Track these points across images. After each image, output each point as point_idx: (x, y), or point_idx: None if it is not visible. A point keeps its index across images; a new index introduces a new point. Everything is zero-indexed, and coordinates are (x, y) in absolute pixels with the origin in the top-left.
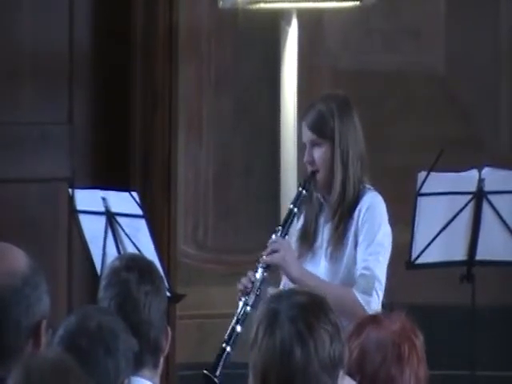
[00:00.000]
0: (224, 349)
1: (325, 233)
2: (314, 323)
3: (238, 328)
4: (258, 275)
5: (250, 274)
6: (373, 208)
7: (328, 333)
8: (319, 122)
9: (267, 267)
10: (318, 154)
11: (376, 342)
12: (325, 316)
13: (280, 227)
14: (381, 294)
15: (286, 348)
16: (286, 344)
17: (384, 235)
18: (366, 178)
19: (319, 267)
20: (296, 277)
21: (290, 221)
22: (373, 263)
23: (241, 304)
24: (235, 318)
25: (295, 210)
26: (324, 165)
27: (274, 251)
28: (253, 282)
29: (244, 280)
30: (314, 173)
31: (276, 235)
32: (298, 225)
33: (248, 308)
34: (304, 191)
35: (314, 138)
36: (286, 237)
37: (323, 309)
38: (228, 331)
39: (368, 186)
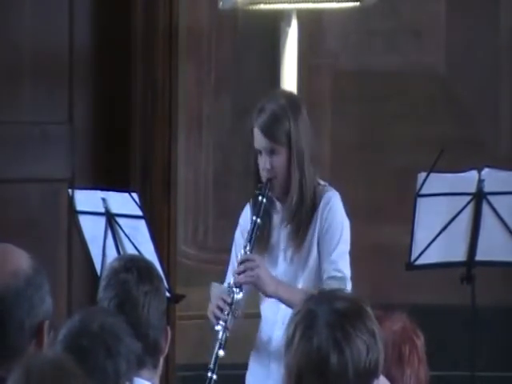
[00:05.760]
0: (211, 378)
1: (281, 234)
2: (352, 332)
3: (221, 353)
4: (235, 297)
5: (224, 296)
6: (333, 206)
7: (365, 343)
8: (274, 127)
9: (241, 287)
10: (277, 161)
11: None
12: (363, 325)
13: (248, 243)
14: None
15: (323, 354)
16: (323, 350)
17: (346, 232)
18: (317, 175)
19: (276, 268)
20: (271, 293)
21: (256, 234)
22: (341, 263)
23: (221, 329)
24: (217, 344)
25: (258, 220)
26: (282, 170)
27: (247, 270)
28: (230, 305)
29: (220, 304)
30: (270, 179)
31: (245, 251)
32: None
33: (228, 332)
34: (264, 200)
35: (270, 146)
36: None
37: (361, 317)
38: (212, 359)
39: (323, 183)
